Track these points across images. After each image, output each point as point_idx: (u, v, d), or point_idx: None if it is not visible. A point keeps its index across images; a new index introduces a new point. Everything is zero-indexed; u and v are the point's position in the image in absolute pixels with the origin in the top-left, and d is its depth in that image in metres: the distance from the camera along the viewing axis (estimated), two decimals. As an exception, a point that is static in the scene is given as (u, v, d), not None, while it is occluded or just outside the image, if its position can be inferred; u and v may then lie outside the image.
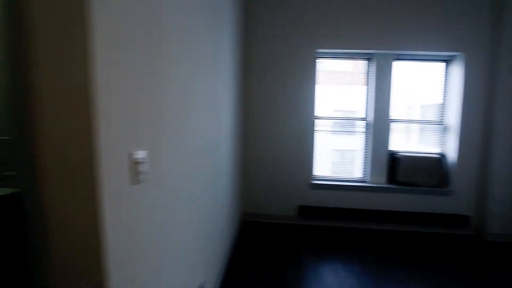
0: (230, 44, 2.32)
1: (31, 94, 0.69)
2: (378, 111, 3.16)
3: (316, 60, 3.11)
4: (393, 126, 3.22)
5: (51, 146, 0.71)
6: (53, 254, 0.75)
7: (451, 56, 3.09)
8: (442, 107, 3.21)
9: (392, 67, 3.12)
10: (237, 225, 3.01)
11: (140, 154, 0.87)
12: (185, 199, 1.32)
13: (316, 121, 3.24)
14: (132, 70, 0.83)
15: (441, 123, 3.22)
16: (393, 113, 3.21)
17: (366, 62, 3.23)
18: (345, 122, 3.38)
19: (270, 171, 3.28)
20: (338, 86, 3.58)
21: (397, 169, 3.16)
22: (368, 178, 3.27)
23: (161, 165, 1.04)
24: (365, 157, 3.30)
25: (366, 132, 3.27)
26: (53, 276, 0.76)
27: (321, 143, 3.35)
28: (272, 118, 3.22)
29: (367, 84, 3.24)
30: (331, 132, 3.39)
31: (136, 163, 0.85)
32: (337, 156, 3.55)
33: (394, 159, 3.21)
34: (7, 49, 0.69)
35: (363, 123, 3.28)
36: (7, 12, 0.68)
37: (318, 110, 3.25)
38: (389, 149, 3.21)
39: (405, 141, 3.33)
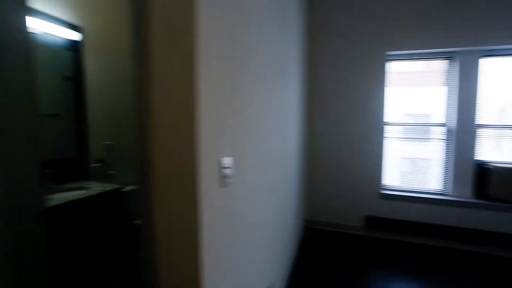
0: (296, 49, 2.38)
1: (149, 110, 0.87)
2: (462, 116, 2.81)
3: (386, 63, 2.95)
4: (480, 132, 2.81)
5: (161, 153, 0.87)
6: (157, 242, 0.91)
7: (563, 48, 2.57)
8: (550, 109, 2.68)
9: (479, 65, 2.74)
10: (300, 231, 3.02)
11: (227, 160, 0.99)
12: (259, 203, 1.42)
13: (386, 127, 3.05)
14: (223, 91, 0.96)
15: (548, 129, 2.69)
16: (480, 118, 2.81)
17: (446, 61, 2.91)
18: (418, 128, 3.09)
19: (335, 178, 3.21)
20: (411, 88, 3.30)
21: (487, 182, 2.74)
22: (449, 191, 2.92)
23: (242, 171, 1.15)
24: (446, 167, 2.96)
25: (447, 139, 2.93)
26: (155, 262, 0.92)
27: (391, 151, 3.13)
28: (338, 123, 3.15)
29: (448, 85, 2.92)
30: (403, 139, 3.14)
31: (223, 168, 0.97)
32: (409, 165, 3.26)
33: (483, 171, 2.79)
34: (134, 74, 0.88)
35: (442, 129, 2.95)
36: (136, 49, 0.87)
37: (388, 115, 3.06)
38: (475, 158, 2.81)
39: (497, 149, 2.87)
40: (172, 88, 0.82)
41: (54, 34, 1.97)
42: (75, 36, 2.11)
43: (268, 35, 1.48)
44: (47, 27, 1.91)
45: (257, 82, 1.32)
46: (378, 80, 2.98)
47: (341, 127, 3.14)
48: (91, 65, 2.24)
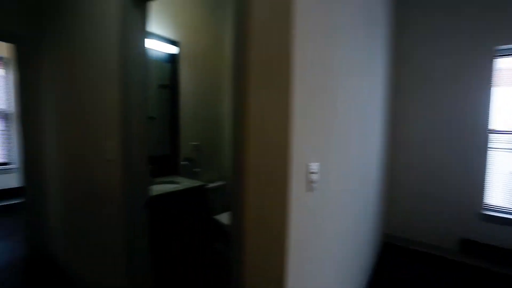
0: (382, 50, 2.22)
1: (244, 117, 0.94)
2: None
3: (494, 59, 2.48)
4: None
5: (254, 157, 0.93)
6: (246, 238, 0.97)
7: None
8: None
9: None
10: (378, 245, 2.79)
11: (314, 166, 0.99)
12: (340, 210, 1.37)
13: (492, 136, 2.56)
14: (312, 99, 0.96)
15: None
16: None
17: None
18: (541, 138, 2.49)
19: (422, 190, 2.85)
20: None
21: None
22: None
23: (325, 177, 1.14)
24: None
25: None
26: (241, 261, 0.98)
27: (498, 164, 2.61)
28: (430, 129, 2.79)
29: None
30: (516, 150, 2.58)
31: (311, 173, 0.98)
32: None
33: None
34: (232, 83, 0.97)
35: None
36: (235, 61, 0.95)
37: (495, 121, 2.56)
38: None
39: None
40: (268, 98, 0.87)
41: (158, 49, 2.31)
42: (174, 50, 2.43)
43: (355, 39, 1.43)
44: (154, 44, 2.25)
45: (343, 89, 1.28)
46: (482, 78, 2.52)
47: (433, 133, 2.77)
48: (184, 75, 2.54)
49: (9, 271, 2.18)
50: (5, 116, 3.99)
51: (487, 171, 2.57)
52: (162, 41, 2.32)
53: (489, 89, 2.50)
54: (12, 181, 3.99)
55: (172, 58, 2.46)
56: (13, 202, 3.92)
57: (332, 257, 1.34)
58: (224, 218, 2.55)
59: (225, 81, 3.02)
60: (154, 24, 2.23)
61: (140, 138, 1.47)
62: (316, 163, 1.01)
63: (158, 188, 2.05)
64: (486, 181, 2.58)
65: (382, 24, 2.18)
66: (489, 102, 2.51)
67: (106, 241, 1.66)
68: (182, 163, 2.56)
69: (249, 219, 0.96)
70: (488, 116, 2.52)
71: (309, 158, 0.97)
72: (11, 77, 3.92)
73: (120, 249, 1.54)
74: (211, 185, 2.66)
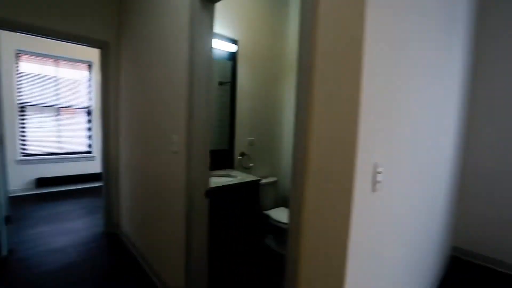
0: (459, 48, 1.97)
1: (309, 114, 0.93)
2: None
3: None
4: None
5: (318, 152, 0.91)
6: (303, 237, 0.96)
7: None
8: None
9: None
10: (445, 260, 2.51)
11: (380, 165, 0.94)
12: (404, 215, 1.27)
13: None
14: (381, 96, 0.91)
15: None
16: None
17: None
18: None
19: (505, 200, 2.46)
20: None
21: None
22: None
23: (391, 178, 1.06)
24: None
25: None
26: (297, 261, 0.98)
27: None
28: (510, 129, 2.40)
29: None
30: None
31: (377, 173, 0.92)
32: None
33: None
34: (298, 80, 0.97)
35: None
36: (301, 59, 0.94)
37: None
38: None
39: None
40: (335, 92, 0.85)
41: (218, 48, 2.42)
42: (233, 48, 2.52)
43: (430, 36, 1.29)
44: (217, 44, 2.37)
45: (413, 87, 1.18)
46: None
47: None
48: (242, 72, 2.62)
49: (91, 243, 2.56)
50: (88, 112, 4.65)
51: None
52: (222, 40, 2.42)
53: None
54: (94, 167, 4.64)
55: (231, 56, 2.55)
56: (96, 185, 4.58)
57: (393, 264, 1.25)
58: (274, 213, 2.58)
59: (283, 79, 3.03)
60: (216, 24, 2.34)
61: (204, 133, 1.56)
62: (383, 162, 0.95)
63: (215, 181, 2.16)
64: None
65: (462, 18, 1.92)
66: None
67: (168, 226, 1.83)
68: (239, 158, 2.66)
69: (308, 218, 0.95)
70: None
71: (375, 156, 0.92)
72: (94, 78, 4.54)
73: (180, 234, 1.68)
74: (264, 180, 2.71)
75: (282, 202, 3.15)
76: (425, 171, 1.50)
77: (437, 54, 1.45)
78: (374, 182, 0.93)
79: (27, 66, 4.00)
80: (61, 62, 4.27)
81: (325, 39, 0.86)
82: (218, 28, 2.37)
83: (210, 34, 1.54)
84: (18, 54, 3.89)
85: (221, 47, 2.44)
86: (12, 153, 3.89)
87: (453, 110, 2.03)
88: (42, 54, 4.07)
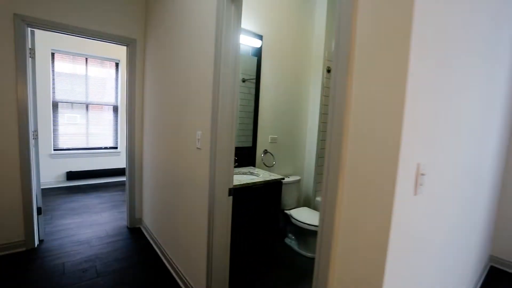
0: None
1: (345, 111, 0.86)
2: None
3: None
4: None
5: (354, 150, 0.84)
6: (335, 240, 0.90)
7: None
8: None
9: None
10: (482, 268, 2.32)
11: (424, 166, 0.85)
12: (444, 220, 1.17)
13: None
14: (425, 91, 0.82)
15: None
16: None
17: None
18: None
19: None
20: None
21: None
22: None
23: (434, 180, 0.97)
24: None
25: None
26: (327, 264, 0.91)
27: None
28: None
29: None
30: None
31: (421, 174, 0.84)
32: None
33: None
34: (334, 73, 0.90)
35: None
36: (337, 54, 0.88)
37: None
38: None
39: None
40: (376, 86, 0.77)
41: (245, 43, 2.38)
42: (257, 43, 2.47)
43: (479, 28, 1.17)
44: (242, 39, 2.33)
45: (457, 83, 1.07)
46: None
47: None
48: (266, 68, 2.57)
49: (116, 236, 2.62)
50: (115, 108, 4.80)
51: None
52: (247, 35, 2.38)
53: None
54: (120, 162, 4.80)
55: (256, 51, 2.50)
56: (121, 179, 4.74)
57: (430, 273, 1.15)
58: (296, 213, 2.51)
59: (307, 76, 2.94)
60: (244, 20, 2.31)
61: (229, 130, 1.53)
62: (426, 163, 0.86)
63: (237, 178, 2.13)
64: None
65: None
66: None
67: (190, 224, 1.82)
68: (261, 155, 2.61)
69: (341, 221, 0.88)
70: None
71: (419, 156, 0.83)
72: (120, 76, 4.68)
73: (202, 234, 1.65)
74: (287, 179, 2.65)
75: (305, 201, 3.07)
76: (466, 175, 1.37)
77: (484, 50, 1.32)
78: (417, 185, 0.84)
79: (60, 65, 4.19)
80: (91, 61, 4.44)
81: (365, 27, 0.79)
82: (243, 22, 2.33)
83: (238, 29, 1.50)
84: (53, 54, 4.08)
85: (246, 42, 2.40)
86: (46, 148, 4.10)
87: (498, 113, 1.85)
88: (74, 53, 4.25)
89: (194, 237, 1.78)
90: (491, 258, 2.53)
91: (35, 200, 2.30)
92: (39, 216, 2.39)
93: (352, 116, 0.83)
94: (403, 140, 0.73)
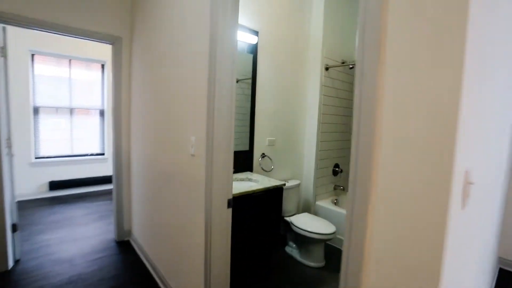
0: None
1: (374, 113, 0.70)
2: None
3: None
4: None
5: (389, 155, 0.69)
6: (365, 266, 0.74)
7: None
8: None
9: None
10: (493, 270, 2.21)
11: (473, 174, 0.70)
12: (479, 229, 1.03)
13: None
14: (478, 90, 0.67)
15: None
16: None
17: None
18: None
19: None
20: None
21: None
22: None
23: (478, 190, 0.82)
24: None
25: None
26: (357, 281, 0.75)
27: None
28: None
29: None
30: None
31: (468, 183, 0.69)
32: None
33: None
34: (360, 71, 0.74)
35: None
36: (362, 51, 0.72)
37: None
38: None
39: None
40: (418, 80, 0.62)
41: (240, 40, 2.21)
42: (253, 40, 2.31)
43: None
44: (239, 35, 2.17)
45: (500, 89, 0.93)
46: None
47: None
48: (262, 66, 2.41)
49: (102, 252, 2.40)
50: (101, 113, 4.55)
51: None
52: (242, 30, 2.22)
53: None
54: (107, 169, 4.54)
55: (251, 48, 2.34)
56: (109, 187, 4.47)
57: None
58: (297, 220, 2.35)
59: (306, 74, 2.80)
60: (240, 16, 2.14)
61: (226, 135, 1.36)
62: (474, 172, 0.72)
63: (235, 186, 1.96)
64: None
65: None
66: None
67: (185, 239, 1.63)
68: (259, 160, 2.45)
69: (373, 242, 0.72)
70: None
71: (467, 162, 0.68)
72: (106, 78, 4.44)
73: (199, 250, 1.47)
74: (287, 185, 2.49)
75: (304, 206, 2.92)
76: (496, 179, 1.24)
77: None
78: (464, 196, 0.69)
79: (41, 67, 3.92)
80: (74, 63, 4.19)
81: (404, 12, 0.64)
82: (242, 19, 2.17)
83: (235, 25, 1.34)
84: (33, 55, 3.81)
85: (241, 38, 2.23)
86: (26, 156, 3.81)
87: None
88: (55, 54, 3.98)
89: (190, 253, 1.59)
90: (501, 260, 2.43)
91: (9, 216, 2.06)
92: (14, 233, 2.15)
93: (385, 112, 0.68)
94: (457, 144, 0.58)
